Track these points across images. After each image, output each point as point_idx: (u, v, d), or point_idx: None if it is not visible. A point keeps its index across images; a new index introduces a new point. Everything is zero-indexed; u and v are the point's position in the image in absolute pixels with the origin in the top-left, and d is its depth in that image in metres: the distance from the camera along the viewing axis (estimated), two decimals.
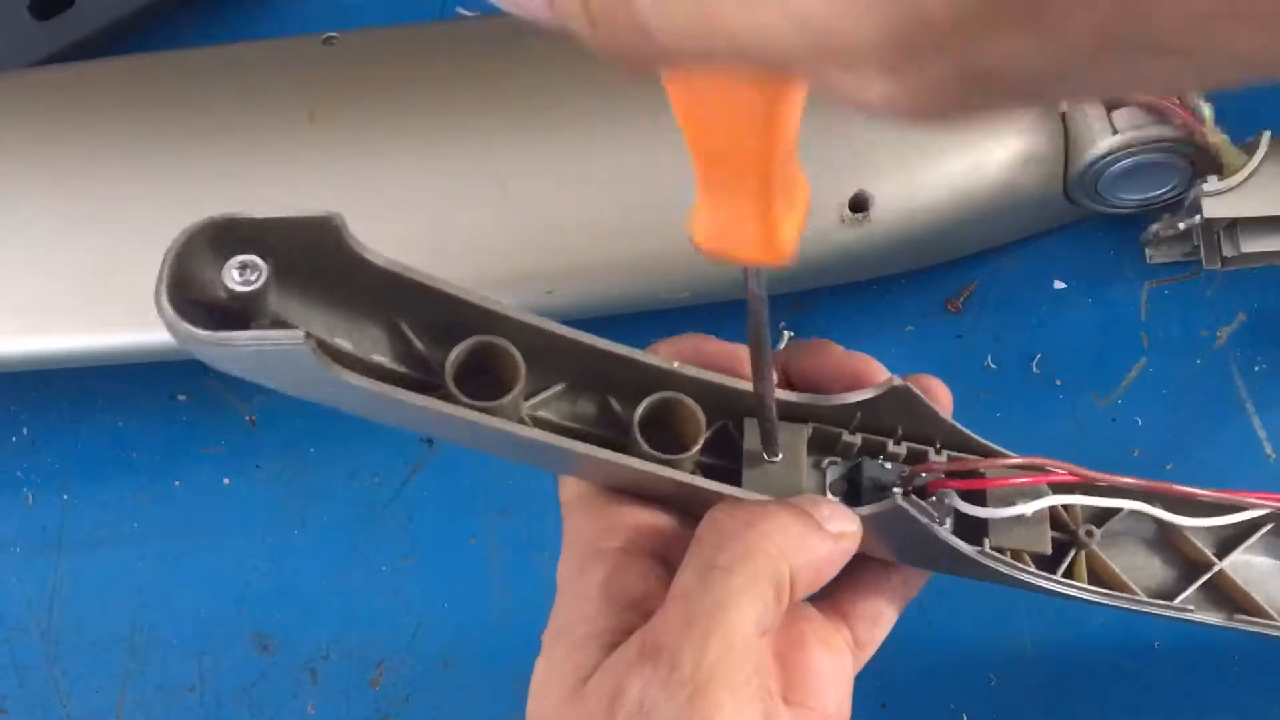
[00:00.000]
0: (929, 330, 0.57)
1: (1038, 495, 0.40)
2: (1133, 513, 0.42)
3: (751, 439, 0.37)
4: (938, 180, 0.52)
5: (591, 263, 0.52)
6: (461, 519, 0.55)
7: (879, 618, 0.38)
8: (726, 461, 0.38)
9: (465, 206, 0.52)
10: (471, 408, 0.33)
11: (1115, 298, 0.57)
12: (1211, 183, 0.52)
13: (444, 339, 0.34)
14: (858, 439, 0.38)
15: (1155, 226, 0.55)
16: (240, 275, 0.30)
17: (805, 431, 0.38)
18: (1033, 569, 0.39)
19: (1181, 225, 0.54)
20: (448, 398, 0.33)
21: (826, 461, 0.39)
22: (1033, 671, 0.51)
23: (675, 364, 0.37)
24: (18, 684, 0.53)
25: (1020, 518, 0.39)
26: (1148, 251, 0.57)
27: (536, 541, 0.54)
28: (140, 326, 0.51)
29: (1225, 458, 0.54)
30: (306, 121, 0.53)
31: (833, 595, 0.37)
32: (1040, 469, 0.39)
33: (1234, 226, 0.54)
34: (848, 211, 0.52)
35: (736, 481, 0.37)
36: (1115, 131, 0.52)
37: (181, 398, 0.57)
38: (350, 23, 0.57)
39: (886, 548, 0.38)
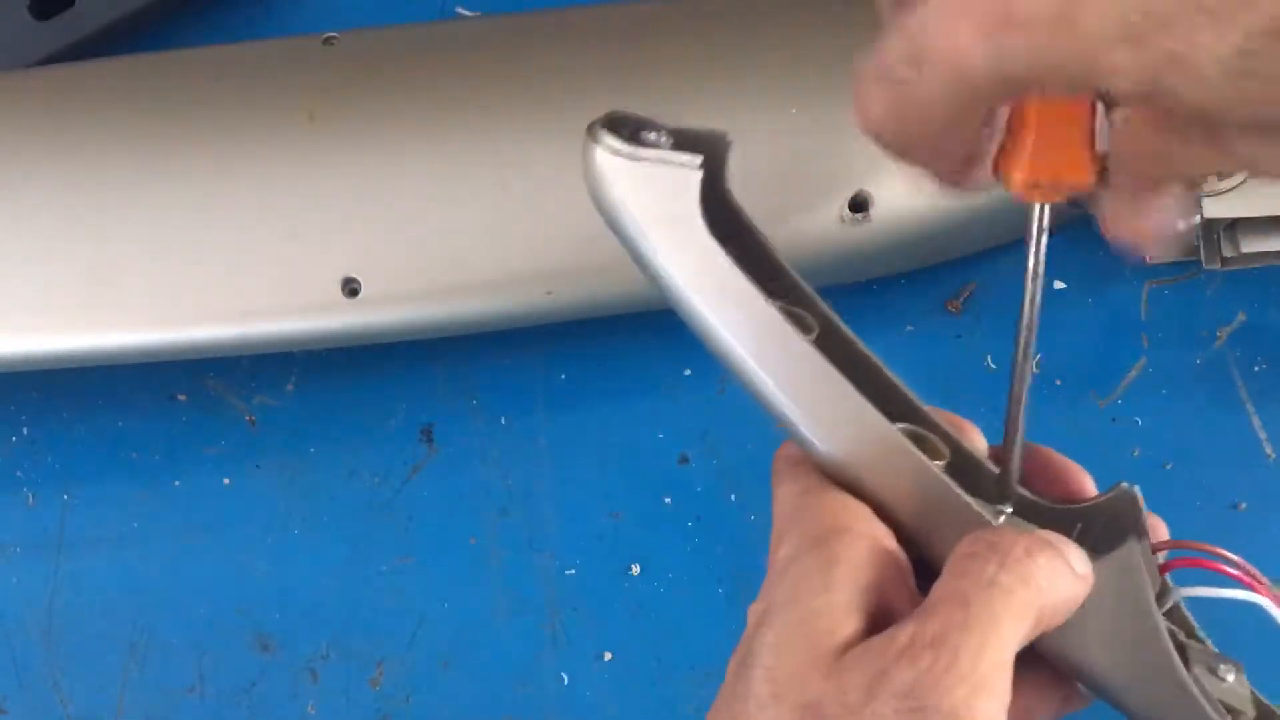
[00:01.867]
0: (929, 330, 0.57)
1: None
2: None
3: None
4: None
5: (591, 263, 0.52)
6: (461, 519, 0.55)
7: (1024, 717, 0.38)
8: None
9: (465, 206, 0.52)
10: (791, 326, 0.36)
11: (1115, 298, 0.57)
12: (1211, 183, 0.52)
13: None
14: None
15: None
16: (654, 135, 0.35)
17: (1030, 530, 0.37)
18: None
19: (1181, 225, 0.54)
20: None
21: None
22: None
23: (932, 410, 0.39)
24: (18, 684, 0.53)
25: (1222, 668, 0.37)
26: None
27: (536, 541, 0.54)
28: (139, 326, 0.52)
29: (1225, 458, 0.54)
30: (306, 121, 0.53)
31: None
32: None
33: (1234, 226, 0.54)
34: (848, 211, 0.52)
35: None
36: None
37: (181, 398, 0.57)
38: (350, 23, 0.57)
39: (1081, 637, 0.35)
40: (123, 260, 0.51)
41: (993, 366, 0.56)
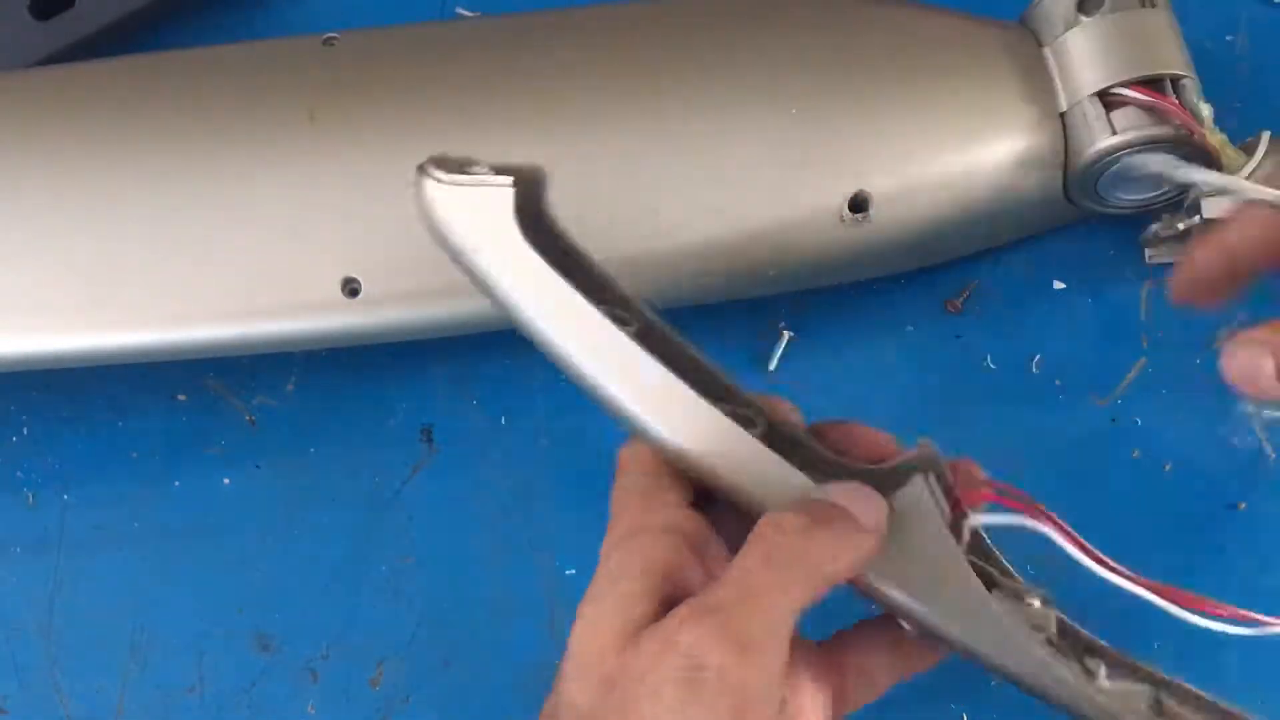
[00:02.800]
0: (929, 330, 0.57)
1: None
2: None
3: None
4: (938, 180, 0.52)
5: None
6: (461, 519, 0.55)
7: (871, 681, 0.43)
8: None
9: None
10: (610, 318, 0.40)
11: (1115, 298, 0.57)
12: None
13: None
14: None
15: (1155, 226, 0.55)
16: (476, 168, 0.40)
17: None
18: (1040, 641, 0.40)
19: (1181, 225, 0.54)
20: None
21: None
22: None
23: (756, 396, 0.42)
24: (18, 684, 0.53)
25: (1028, 597, 0.40)
26: (1147, 252, 0.57)
27: (536, 542, 0.54)
28: (140, 326, 0.52)
29: (1224, 458, 0.54)
30: (306, 122, 0.53)
31: (838, 645, 0.43)
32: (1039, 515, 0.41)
33: None
34: (847, 211, 0.52)
35: None
36: (1115, 132, 0.52)
37: (182, 398, 0.57)
38: (350, 23, 0.57)
39: (891, 574, 0.40)
40: (123, 260, 0.51)
41: (992, 366, 0.56)
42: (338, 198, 0.52)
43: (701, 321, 0.57)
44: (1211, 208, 0.52)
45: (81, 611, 0.54)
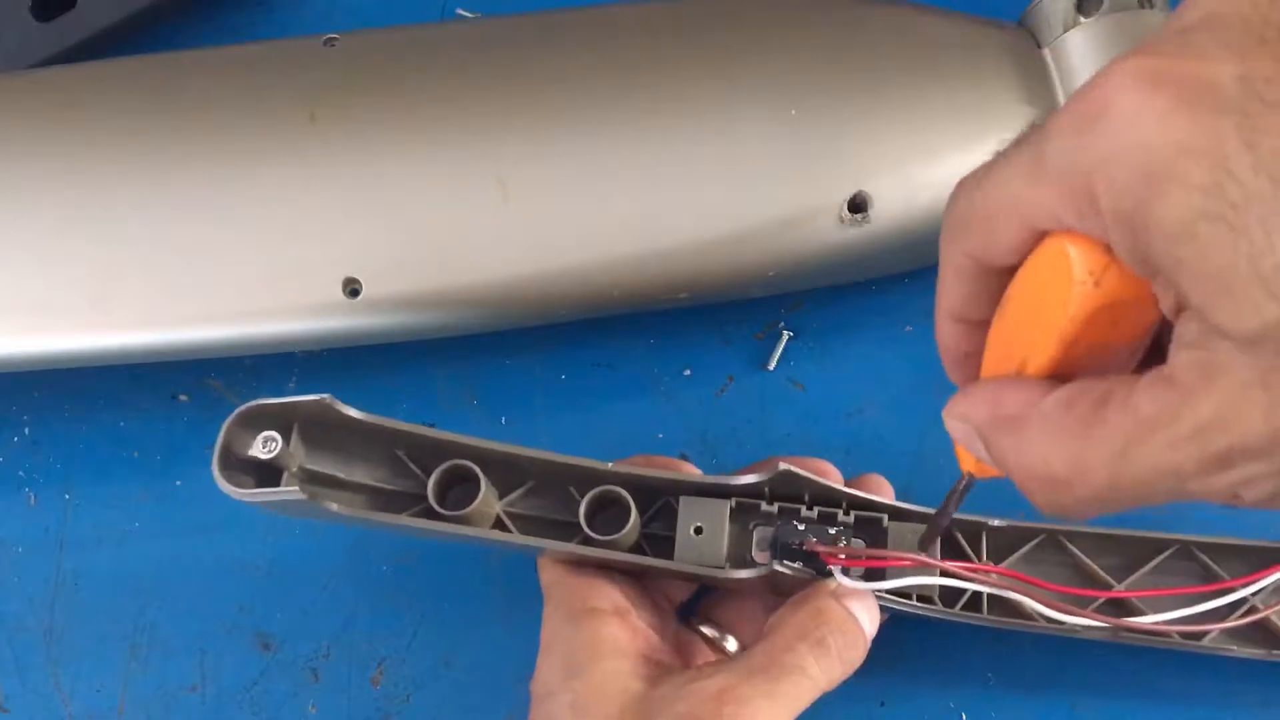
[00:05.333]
0: (928, 330, 0.57)
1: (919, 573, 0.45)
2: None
3: (683, 516, 0.46)
4: (937, 181, 0.52)
5: (591, 263, 0.52)
6: None
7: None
8: (669, 530, 0.47)
9: (465, 206, 0.52)
10: (445, 519, 0.44)
11: None
12: None
13: (432, 461, 0.45)
14: (775, 507, 0.47)
15: None
16: (264, 446, 0.42)
17: (727, 505, 0.47)
18: (921, 605, 0.47)
19: None
20: (430, 511, 0.45)
21: (753, 525, 0.47)
22: (1032, 671, 0.51)
23: (610, 464, 0.46)
24: (19, 683, 0.53)
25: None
26: None
27: None
28: (141, 326, 0.52)
29: None
30: (307, 122, 0.53)
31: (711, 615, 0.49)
32: (918, 561, 0.45)
33: None
34: (846, 212, 0.52)
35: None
36: None
37: (183, 398, 0.57)
38: (351, 23, 0.57)
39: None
40: (124, 261, 0.51)
41: None
42: (338, 198, 0.52)
43: (702, 321, 0.57)
44: None
45: (83, 611, 0.54)
